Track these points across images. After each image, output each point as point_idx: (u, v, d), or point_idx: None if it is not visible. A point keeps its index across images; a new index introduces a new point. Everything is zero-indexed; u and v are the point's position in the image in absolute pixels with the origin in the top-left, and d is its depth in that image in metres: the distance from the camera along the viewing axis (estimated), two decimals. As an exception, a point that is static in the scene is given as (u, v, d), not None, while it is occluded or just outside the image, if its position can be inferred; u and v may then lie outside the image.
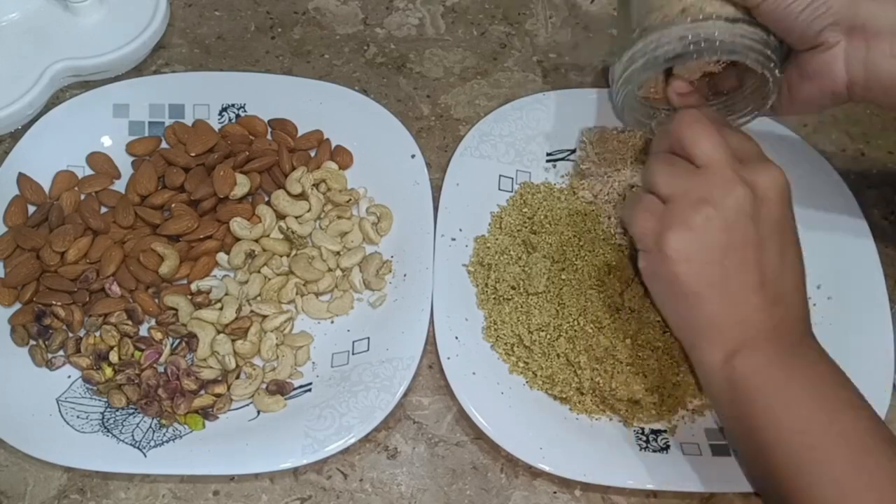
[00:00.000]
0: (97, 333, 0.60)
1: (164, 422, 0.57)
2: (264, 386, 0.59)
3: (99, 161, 0.67)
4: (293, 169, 0.66)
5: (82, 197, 0.65)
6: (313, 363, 0.61)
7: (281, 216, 0.65)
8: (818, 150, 0.69)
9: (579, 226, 0.64)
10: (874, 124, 0.75)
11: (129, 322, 0.60)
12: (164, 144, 0.68)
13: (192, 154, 0.66)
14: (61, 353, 0.60)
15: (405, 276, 0.62)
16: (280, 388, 0.59)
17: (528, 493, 0.57)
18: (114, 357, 0.59)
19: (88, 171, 0.67)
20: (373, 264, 0.63)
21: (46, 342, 0.59)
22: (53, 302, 0.60)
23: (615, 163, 0.66)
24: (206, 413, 0.58)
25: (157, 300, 0.61)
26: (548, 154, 0.69)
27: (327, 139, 0.68)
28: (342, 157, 0.68)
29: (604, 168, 0.66)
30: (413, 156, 0.66)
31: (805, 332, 0.53)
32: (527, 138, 0.69)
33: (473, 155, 0.67)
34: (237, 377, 0.59)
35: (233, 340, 0.60)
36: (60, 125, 0.68)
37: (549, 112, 0.70)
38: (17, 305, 0.61)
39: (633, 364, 0.58)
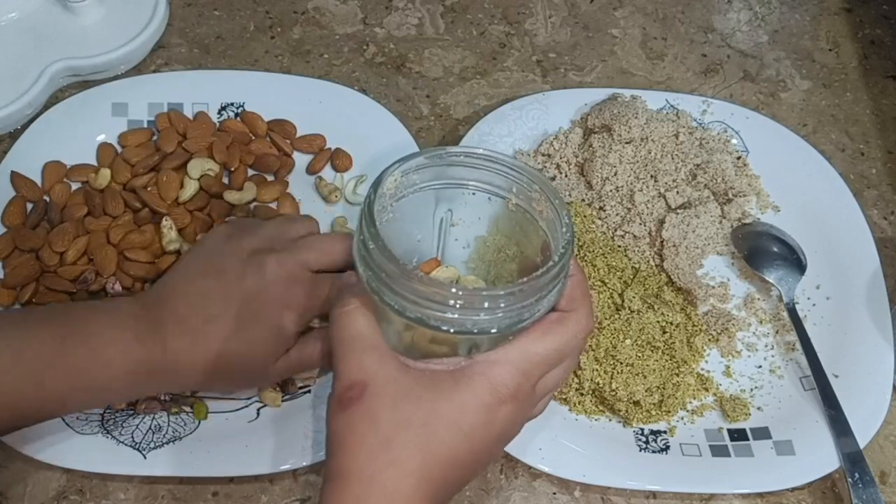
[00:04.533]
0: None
1: (174, 409, 0.57)
2: None
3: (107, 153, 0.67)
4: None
5: (73, 187, 0.65)
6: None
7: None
8: (818, 150, 0.69)
9: (579, 226, 0.64)
10: (874, 124, 0.75)
11: None
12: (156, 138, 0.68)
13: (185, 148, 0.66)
14: (61, 353, 0.60)
15: (405, 276, 0.62)
16: (284, 386, 0.59)
17: (527, 494, 0.57)
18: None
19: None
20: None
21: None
22: (53, 303, 0.60)
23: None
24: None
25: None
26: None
27: (328, 148, 0.68)
28: (341, 159, 0.67)
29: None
30: (413, 156, 0.66)
31: None
32: (526, 138, 0.69)
33: (473, 155, 0.67)
34: None
35: None
36: (59, 124, 0.67)
37: (549, 112, 0.70)
38: (17, 306, 0.61)
39: (634, 364, 0.58)
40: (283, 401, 0.58)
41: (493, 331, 0.43)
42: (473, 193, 0.50)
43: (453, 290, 0.42)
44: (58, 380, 0.48)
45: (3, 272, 0.62)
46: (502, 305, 0.42)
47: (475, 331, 0.43)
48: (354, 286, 0.45)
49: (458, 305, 0.42)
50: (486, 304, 0.42)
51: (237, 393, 0.58)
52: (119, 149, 0.67)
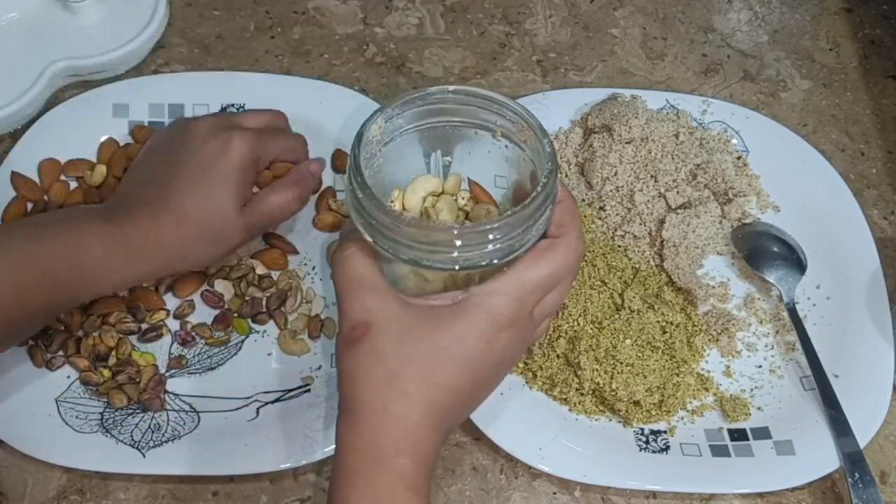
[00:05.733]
0: (96, 334, 0.60)
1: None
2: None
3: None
4: None
5: (72, 185, 0.65)
6: (311, 367, 0.60)
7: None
8: (818, 150, 0.69)
9: (579, 226, 0.64)
10: (874, 124, 0.75)
11: (130, 318, 0.60)
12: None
13: None
14: (61, 353, 0.59)
15: (405, 276, 0.62)
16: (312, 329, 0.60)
17: (527, 494, 0.57)
18: (112, 360, 0.59)
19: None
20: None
21: (46, 343, 0.59)
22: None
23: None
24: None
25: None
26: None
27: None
28: (342, 160, 0.67)
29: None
30: (413, 155, 0.66)
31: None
32: (526, 138, 0.69)
33: (473, 155, 0.67)
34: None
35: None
36: (60, 125, 0.67)
37: (549, 112, 0.70)
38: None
39: (634, 364, 0.58)
40: (281, 400, 0.58)
41: (485, 264, 0.44)
42: (459, 129, 0.51)
43: (442, 229, 0.44)
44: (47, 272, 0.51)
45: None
46: (492, 238, 0.43)
47: (469, 266, 0.44)
48: (354, 231, 0.47)
49: (448, 244, 0.43)
50: (477, 240, 0.43)
51: (217, 255, 0.57)
52: (121, 143, 0.67)
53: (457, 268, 0.44)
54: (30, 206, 0.65)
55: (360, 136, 0.46)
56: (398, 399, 0.43)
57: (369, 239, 0.45)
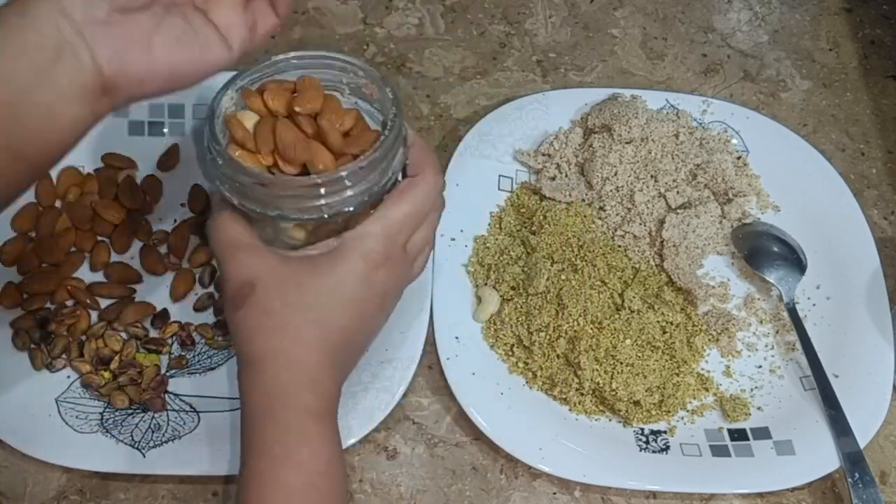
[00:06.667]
0: (99, 338, 0.59)
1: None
2: None
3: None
4: None
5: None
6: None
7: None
8: (818, 150, 0.69)
9: (579, 226, 0.64)
10: (874, 124, 0.75)
11: (139, 325, 0.60)
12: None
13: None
14: (63, 356, 0.59)
15: (405, 276, 0.62)
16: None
17: (527, 494, 0.57)
18: (114, 364, 0.59)
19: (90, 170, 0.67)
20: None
21: (48, 347, 0.59)
22: (67, 304, 0.60)
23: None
24: None
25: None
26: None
27: None
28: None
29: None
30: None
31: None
32: (526, 138, 0.69)
33: (473, 155, 0.67)
34: None
35: None
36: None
37: (549, 112, 0.70)
38: (19, 311, 0.60)
39: (634, 364, 0.58)
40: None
41: (350, 209, 0.46)
42: None
43: (304, 181, 0.45)
44: None
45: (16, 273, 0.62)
46: (350, 183, 0.45)
47: (334, 212, 0.46)
48: (222, 201, 0.49)
49: (310, 194, 0.45)
50: (336, 186, 0.45)
51: None
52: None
53: (325, 216, 0.46)
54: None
55: (212, 109, 0.48)
56: (293, 344, 0.45)
57: (236, 201, 0.46)
